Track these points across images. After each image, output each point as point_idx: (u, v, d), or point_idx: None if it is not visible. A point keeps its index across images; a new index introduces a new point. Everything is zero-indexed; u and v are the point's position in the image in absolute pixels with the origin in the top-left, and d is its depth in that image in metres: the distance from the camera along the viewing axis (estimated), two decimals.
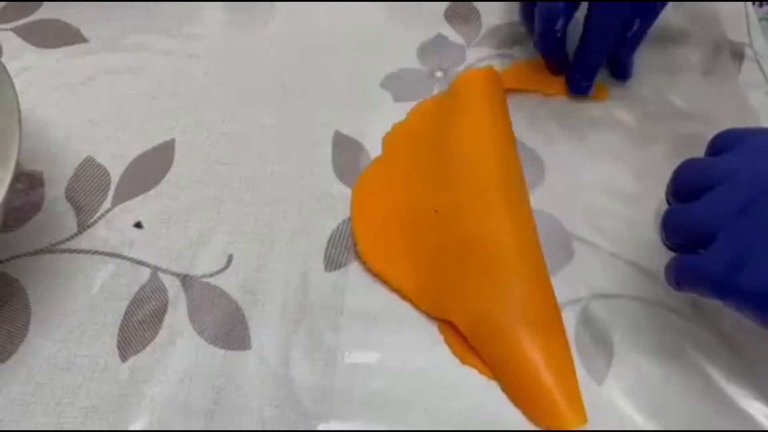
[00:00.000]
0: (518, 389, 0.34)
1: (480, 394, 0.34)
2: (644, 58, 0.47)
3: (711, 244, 0.29)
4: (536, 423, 0.33)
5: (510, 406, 0.34)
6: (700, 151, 0.42)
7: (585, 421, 0.32)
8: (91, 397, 0.34)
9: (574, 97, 0.45)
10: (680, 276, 0.31)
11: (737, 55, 0.47)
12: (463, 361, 0.35)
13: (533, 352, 0.33)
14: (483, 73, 0.44)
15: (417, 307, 0.36)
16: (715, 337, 0.35)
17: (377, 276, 0.37)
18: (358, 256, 0.38)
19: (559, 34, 0.42)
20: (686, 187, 0.32)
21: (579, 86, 0.44)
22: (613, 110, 0.44)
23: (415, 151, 0.40)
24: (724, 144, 0.32)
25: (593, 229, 0.39)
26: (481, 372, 0.34)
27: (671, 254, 0.33)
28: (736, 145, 0.31)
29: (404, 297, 0.37)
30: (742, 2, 0.50)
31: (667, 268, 0.32)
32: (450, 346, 0.35)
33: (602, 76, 0.45)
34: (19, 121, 0.35)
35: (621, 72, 0.45)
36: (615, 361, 0.35)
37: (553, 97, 0.45)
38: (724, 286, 0.28)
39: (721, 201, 0.29)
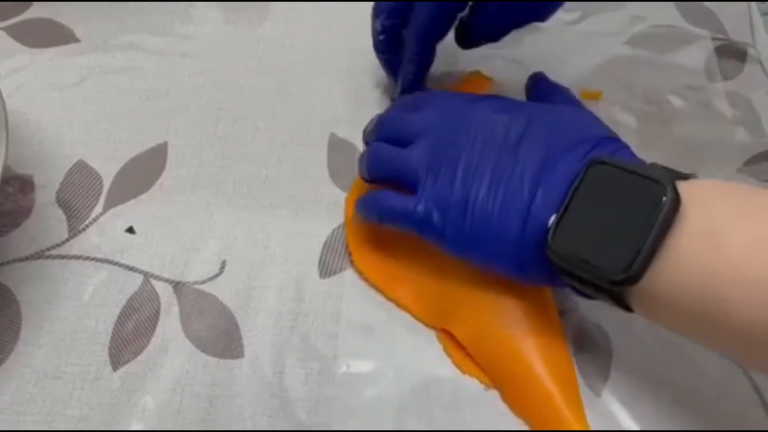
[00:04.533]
0: (520, 397, 0.33)
1: (479, 402, 0.34)
2: (644, 58, 0.46)
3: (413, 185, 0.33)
4: (539, 430, 0.32)
5: (510, 415, 0.33)
6: (699, 152, 0.42)
7: (587, 426, 0.32)
8: (83, 407, 0.33)
9: None
10: (385, 213, 0.34)
11: (740, 55, 0.46)
12: (463, 370, 0.34)
13: (535, 360, 0.33)
14: (475, 78, 0.43)
15: (414, 316, 0.36)
16: None
17: (373, 286, 0.37)
18: (354, 267, 0.37)
19: (381, 37, 0.40)
20: (389, 136, 0.36)
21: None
22: (610, 111, 0.44)
23: None
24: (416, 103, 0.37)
25: None
26: (481, 381, 0.34)
27: None
28: (424, 106, 0.36)
29: (401, 307, 0.36)
30: (746, 2, 0.49)
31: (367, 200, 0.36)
32: (450, 356, 0.35)
33: (601, 74, 0.45)
34: (6, 124, 0.34)
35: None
36: (613, 372, 0.34)
37: None
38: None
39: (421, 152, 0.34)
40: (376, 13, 0.40)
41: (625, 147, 0.32)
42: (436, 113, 0.35)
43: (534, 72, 0.39)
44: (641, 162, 0.31)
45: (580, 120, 0.34)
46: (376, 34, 0.40)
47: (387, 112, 0.38)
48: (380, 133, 0.37)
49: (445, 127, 0.34)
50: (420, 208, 0.33)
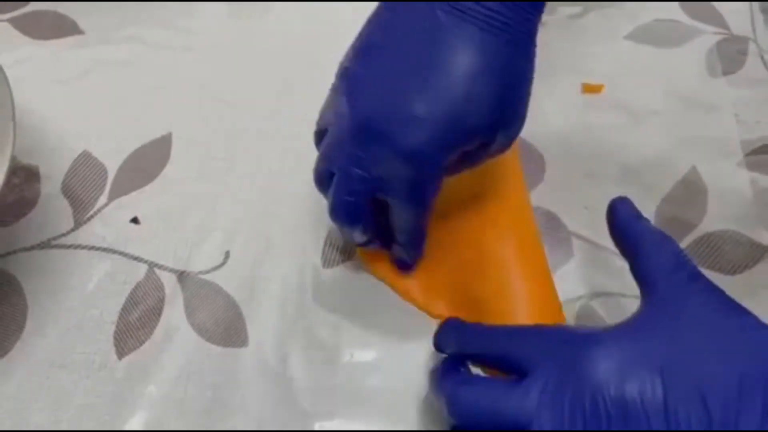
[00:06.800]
0: None
1: None
2: (645, 52, 0.47)
3: None
4: None
5: None
6: (699, 146, 0.42)
7: None
8: (88, 395, 0.34)
9: (577, 94, 0.44)
10: None
11: (741, 50, 0.46)
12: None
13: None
14: None
15: (420, 307, 0.36)
16: None
17: (379, 278, 0.37)
18: (358, 260, 0.38)
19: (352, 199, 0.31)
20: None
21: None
22: (614, 106, 0.44)
23: None
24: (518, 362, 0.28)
25: (593, 227, 0.39)
26: (484, 371, 0.34)
27: None
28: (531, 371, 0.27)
29: (407, 298, 0.36)
30: (747, 1, 0.49)
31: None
32: None
33: (602, 68, 0.45)
34: (13, 115, 0.34)
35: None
36: None
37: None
38: None
39: None
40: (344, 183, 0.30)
41: None
42: (544, 351, 0.27)
43: (615, 198, 0.31)
44: None
45: (727, 339, 0.25)
46: (342, 204, 0.31)
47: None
48: (469, 347, 0.30)
49: (564, 373, 0.26)
50: None
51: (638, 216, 0.30)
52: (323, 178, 0.31)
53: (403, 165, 0.28)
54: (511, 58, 0.28)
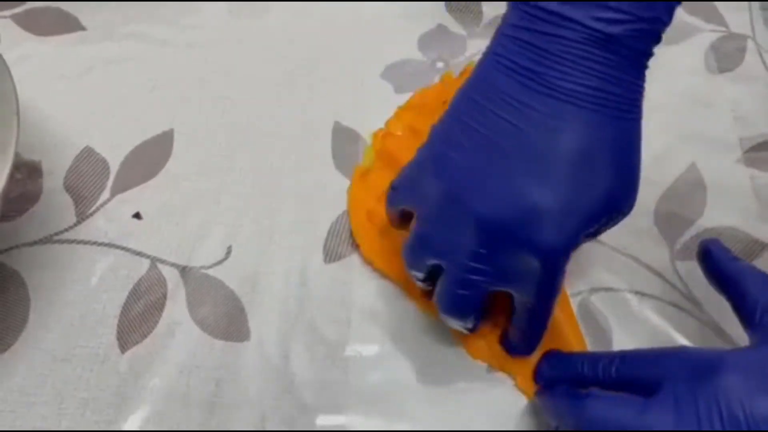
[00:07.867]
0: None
1: (485, 386, 0.34)
2: None
3: None
4: None
5: (516, 395, 0.34)
6: (698, 143, 0.42)
7: None
8: (91, 389, 0.34)
9: None
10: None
11: (739, 47, 0.47)
12: (474, 356, 0.35)
13: (550, 343, 0.33)
14: None
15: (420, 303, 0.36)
16: (714, 332, 0.35)
17: (383, 275, 0.37)
18: (362, 256, 0.38)
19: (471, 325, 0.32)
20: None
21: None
22: None
23: (409, 145, 0.40)
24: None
25: None
26: (492, 368, 0.34)
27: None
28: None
29: (411, 296, 0.37)
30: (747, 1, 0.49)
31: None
32: (461, 342, 0.35)
33: None
34: (17, 110, 0.34)
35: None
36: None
37: None
38: None
39: None
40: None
41: None
42: (672, 370, 0.28)
43: (705, 240, 0.34)
44: None
45: None
46: (456, 297, 0.30)
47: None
48: (585, 373, 0.31)
49: (695, 389, 0.26)
50: None
51: (734, 257, 0.32)
52: (420, 264, 0.30)
53: (533, 259, 0.27)
54: (620, 131, 0.27)
